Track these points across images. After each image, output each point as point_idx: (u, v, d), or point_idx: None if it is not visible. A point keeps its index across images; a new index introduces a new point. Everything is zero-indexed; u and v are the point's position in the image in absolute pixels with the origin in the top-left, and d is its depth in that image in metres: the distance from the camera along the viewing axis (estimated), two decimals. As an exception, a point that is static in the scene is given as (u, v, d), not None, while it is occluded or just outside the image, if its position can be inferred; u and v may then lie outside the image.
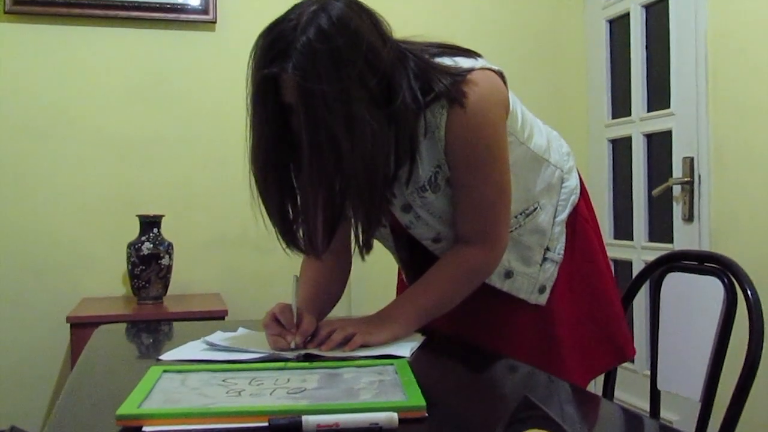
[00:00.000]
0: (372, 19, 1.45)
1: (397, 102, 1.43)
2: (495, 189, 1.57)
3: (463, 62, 1.53)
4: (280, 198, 1.48)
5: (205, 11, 3.47)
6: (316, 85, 1.33)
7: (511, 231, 1.67)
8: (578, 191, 1.80)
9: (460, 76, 1.49)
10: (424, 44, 1.57)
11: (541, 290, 1.71)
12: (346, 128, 1.35)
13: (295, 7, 1.41)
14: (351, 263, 1.77)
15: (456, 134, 1.49)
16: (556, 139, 1.82)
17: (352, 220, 1.50)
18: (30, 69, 3.33)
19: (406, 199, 1.58)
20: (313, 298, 1.67)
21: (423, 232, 1.64)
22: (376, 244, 1.59)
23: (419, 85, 1.47)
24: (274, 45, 1.37)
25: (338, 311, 1.75)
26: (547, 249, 1.73)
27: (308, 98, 1.34)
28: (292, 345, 1.41)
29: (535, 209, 1.71)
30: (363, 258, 1.53)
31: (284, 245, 1.53)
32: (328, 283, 1.73)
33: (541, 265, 1.72)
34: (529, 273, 1.71)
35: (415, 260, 1.75)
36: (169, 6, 3.44)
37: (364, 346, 1.45)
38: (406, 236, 1.69)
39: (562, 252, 1.74)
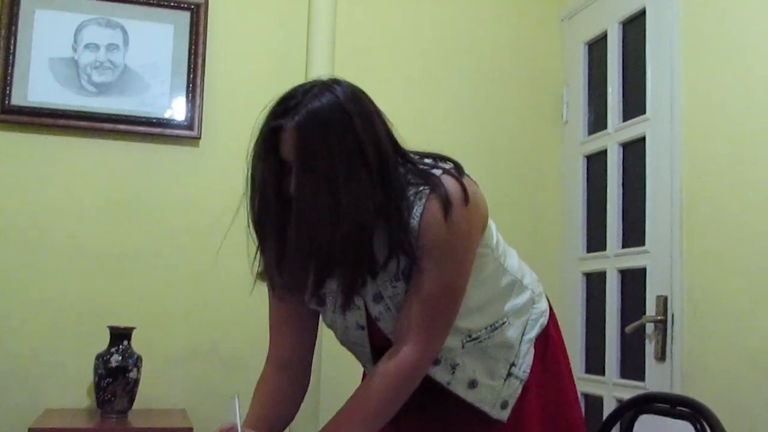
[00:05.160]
0: (376, 109, 1.56)
1: (390, 180, 1.51)
2: (444, 289, 1.58)
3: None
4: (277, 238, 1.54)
5: (189, 127, 3.51)
6: (316, 145, 1.42)
7: (480, 341, 1.69)
8: (547, 315, 1.84)
9: (448, 173, 1.59)
10: (414, 151, 1.69)
11: (503, 405, 1.72)
12: (341, 188, 1.43)
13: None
14: (309, 378, 1.77)
15: (431, 219, 1.54)
16: (526, 266, 1.88)
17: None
18: (7, 177, 3.33)
19: (379, 287, 1.59)
20: (264, 416, 1.65)
21: (390, 326, 1.64)
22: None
23: (410, 178, 1.57)
24: (283, 101, 1.48)
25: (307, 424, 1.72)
26: (513, 365, 1.74)
27: (305, 157, 1.43)
28: None
29: (504, 324, 1.73)
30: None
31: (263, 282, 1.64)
32: (282, 400, 1.71)
33: (505, 380, 1.72)
34: (493, 386, 1.71)
35: None
36: (154, 120, 3.47)
37: None
38: (378, 345, 1.68)
39: (528, 371, 1.75)
